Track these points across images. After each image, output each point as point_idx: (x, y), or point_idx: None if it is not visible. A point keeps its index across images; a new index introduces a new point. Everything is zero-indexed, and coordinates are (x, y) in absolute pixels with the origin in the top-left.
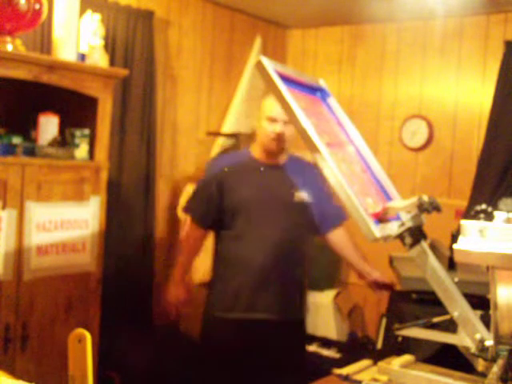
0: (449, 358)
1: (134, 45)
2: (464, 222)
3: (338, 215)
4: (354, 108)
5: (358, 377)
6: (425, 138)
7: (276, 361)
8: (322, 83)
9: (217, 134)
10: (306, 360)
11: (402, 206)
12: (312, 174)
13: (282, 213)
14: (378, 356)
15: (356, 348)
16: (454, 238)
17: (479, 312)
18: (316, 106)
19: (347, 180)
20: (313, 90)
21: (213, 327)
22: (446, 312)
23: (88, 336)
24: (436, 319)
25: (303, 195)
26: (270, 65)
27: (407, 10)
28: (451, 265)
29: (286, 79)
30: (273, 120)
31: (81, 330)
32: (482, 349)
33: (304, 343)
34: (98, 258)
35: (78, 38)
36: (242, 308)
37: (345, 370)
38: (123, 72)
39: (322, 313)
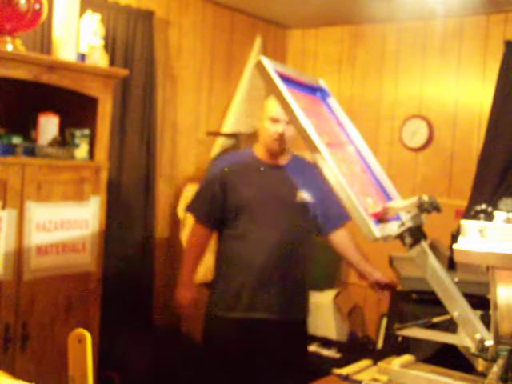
0: (449, 358)
1: (134, 45)
2: (464, 222)
3: (340, 216)
4: (354, 108)
5: (358, 377)
6: (425, 138)
7: (277, 361)
8: (322, 83)
9: (217, 133)
10: (307, 361)
11: (402, 206)
12: (315, 175)
13: (284, 213)
14: (377, 356)
15: (356, 348)
16: (454, 238)
17: (479, 312)
18: (316, 106)
19: (347, 180)
20: (313, 90)
21: (214, 326)
22: (446, 312)
23: (88, 336)
24: (436, 319)
25: (305, 195)
26: (270, 65)
27: (407, 10)
28: (451, 265)
29: (286, 79)
30: (275, 120)
31: (81, 330)
32: (482, 349)
33: (306, 344)
34: (98, 258)
35: (78, 37)
36: (243, 308)
37: (345, 370)
38: (123, 72)
39: (322, 313)
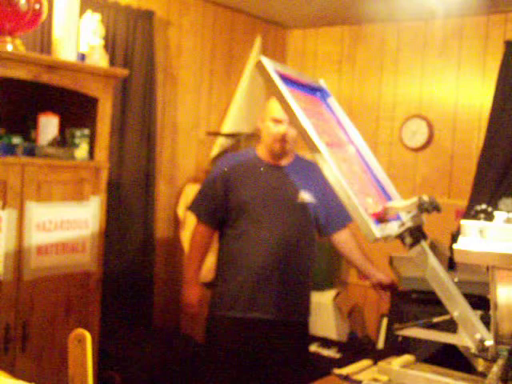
0: (449, 357)
1: (134, 45)
2: (464, 222)
3: (344, 217)
4: (354, 108)
5: (358, 377)
6: (425, 138)
7: (277, 361)
8: (322, 83)
9: (217, 133)
10: (307, 362)
11: (402, 205)
12: (318, 175)
13: (285, 213)
14: (377, 356)
15: (356, 348)
16: (454, 238)
17: (479, 312)
18: (316, 106)
19: (347, 180)
20: (313, 90)
21: (215, 326)
22: (446, 312)
23: (88, 336)
24: (436, 319)
25: (307, 196)
26: (270, 65)
27: (407, 10)
28: (451, 265)
29: (286, 79)
30: (277, 121)
31: (81, 330)
32: (482, 349)
33: (306, 345)
34: (98, 258)
35: (77, 37)
36: (243, 307)
37: (345, 370)
38: (123, 72)
39: (322, 313)
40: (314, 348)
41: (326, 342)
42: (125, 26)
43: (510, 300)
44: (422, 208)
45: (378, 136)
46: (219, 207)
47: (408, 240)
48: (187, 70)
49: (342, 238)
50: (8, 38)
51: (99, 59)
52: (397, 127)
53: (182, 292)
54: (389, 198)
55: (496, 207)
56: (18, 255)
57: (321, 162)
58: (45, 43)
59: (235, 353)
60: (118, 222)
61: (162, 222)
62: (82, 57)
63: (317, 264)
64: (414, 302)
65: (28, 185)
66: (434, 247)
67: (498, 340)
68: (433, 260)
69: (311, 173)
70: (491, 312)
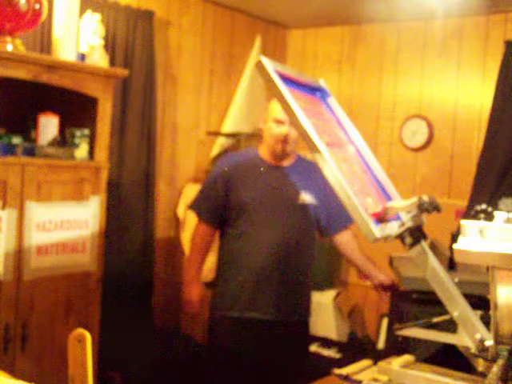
0: (449, 358)
1: (134, 45)
2: (464, 222)
3: (345, 218)
4: (354, 108)
5: (358, 377)
6: (425, 138)
7: (277, 362)
8: (322, 83)
9: (217, 133)
10: (307, 362)
11: (402, 205)
12: (320, 176)
13: (285, 214)
14: (378, 356)
15: (356, 348)
16: (454, 238)
17: (479, 312)
18: (316, 106)
19: (347, 180)
20: (313, 89)
21: (215, 326)
22: (446, 312)
23: (88, 336)
24: (436, 319)
25: (308, 197)
26: (270, 65)
27: (407, 10)
28: (451, 265)
29: (286, 79)
30: (279, 122)
31: (81, 330)
32: (482, 349)
33: (306, 345)
34: (98, 258)
35: (77, 38)
36: (242, 307)
37: (345, 370)
38: (123, 72)
39: (322, 313)
40: (314, 348)
41: (326, 342)
42: (125, 26)
43: (510, 300)
44: (422, 208)
45: (378, 136)
46: (220, 206)
47: (408, 240)
48: (187, 70)
49: (344, 239)
50: (8, 38)
51: (99, 59)
52: (397, 127)
53: (183, 290)
54: (389, 197)
55: (496, 207)
56: (18, 255)
57: (321, 162)
58: (45, 43)
59: (236, 353)
60: (118, 221)
61: (162, 222)
62: (82, 57)
63: (317, 264)
64: (414, 302)
65: (28, 185)
66: (434, 247)
67: (498, 340)
68: (433, 260)
69: (313, 174)
70: (491, 312)
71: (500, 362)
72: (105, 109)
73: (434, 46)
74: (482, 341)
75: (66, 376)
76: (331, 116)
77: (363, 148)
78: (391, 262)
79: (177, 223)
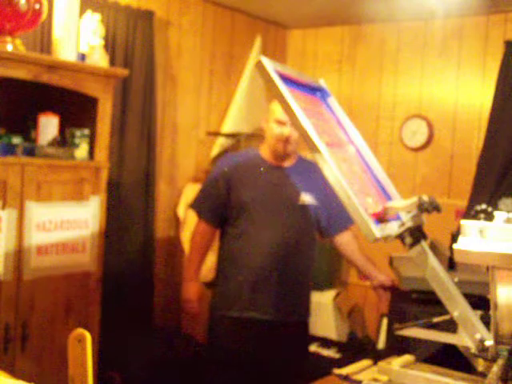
0: (449, 357)
1: (134, 45)
2: (464, 222)
3: (346, 219)
4: (354, 108)
5: (358, 377)
6: (425, 138)
7: (277, 362)
8: (322, 83)
9: (217, 133)
10: (307, 362)
11: (402, 205)
12: (321, 177)
13: (285, 214)
14: (377, 356)
15: (356, 348)
16: (454, 238)
17: (479, 312)
18: (316, 106)
19: (347, 180)
20: (313, 89)
21: (215, 326)
22: (446, 312)
23: (88, 336)
24: (436, 319)
25: (308, 198)
26: (270, 65)
27: (407, 10)
28: (451, 265)
29: (286, 79)
30: (281, 123)
31: (81, 330)
32: (482, 349)
33: (306, 345)
34: (98, 258)
35: (77, 37)
36: (242, 307)
37: (345, 370)
38: (123, 72)
39: (322, 313)
40: (314, 348)
41: (325, 342)
42: (125, 26)
43: (510, 300)
44: (422, 208)
45: (378, 136)
46: (221, 205)
47: (408, 240)
48: (187, 70)
49: (344, 240)
50: (8, 38)
51: (99, 59)
52: (397, 127)
53: (182, 288)
54: (389, 197)
55: (496, 207)
56: (18, 255)
57: (321, 162)
58: (45, 43)
59: (235, 352)
60: (118, 221)
61: (162, 222)
62: (82, 57)
63: (317, 264)
64: (414, 302)
65: (28, 185)
66: (434, 247)
67: (498, 340)
68: (433, 260)
69: (313, 174)
70: (491, 312)
71: (500, 361)
72: (105, 109)
73: (434, 46)
74: (481, 341)
75: (66, 376)
76: (331, 116)
77: (363, 148)
78: (391, 261)
79: (177, 223)
